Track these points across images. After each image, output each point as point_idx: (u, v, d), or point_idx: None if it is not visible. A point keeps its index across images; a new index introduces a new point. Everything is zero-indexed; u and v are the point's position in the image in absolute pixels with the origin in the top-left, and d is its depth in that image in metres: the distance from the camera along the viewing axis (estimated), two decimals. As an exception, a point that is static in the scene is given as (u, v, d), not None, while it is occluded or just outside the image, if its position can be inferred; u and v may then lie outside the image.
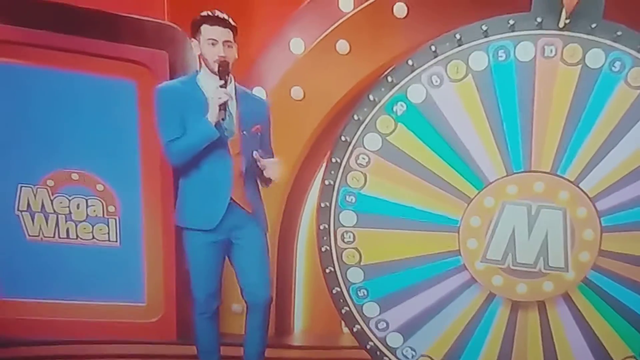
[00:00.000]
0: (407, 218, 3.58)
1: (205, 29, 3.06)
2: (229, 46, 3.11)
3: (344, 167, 3.56)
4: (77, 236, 4.15)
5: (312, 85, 3.93)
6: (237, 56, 3.18)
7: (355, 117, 3.47)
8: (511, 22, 3.26)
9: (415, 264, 3.63)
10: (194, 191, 3.19)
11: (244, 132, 3.17)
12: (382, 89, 3.44)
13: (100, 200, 4.10)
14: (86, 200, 4.09)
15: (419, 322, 3.71)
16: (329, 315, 4.04)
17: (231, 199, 3.17)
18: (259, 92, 3.85)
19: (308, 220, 4.28)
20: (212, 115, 2.99)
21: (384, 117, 3.49)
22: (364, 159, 3.55)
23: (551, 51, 3.31)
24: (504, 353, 3.69)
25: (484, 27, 3.30)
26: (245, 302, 3.44)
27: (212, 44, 3.08)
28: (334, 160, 3.54)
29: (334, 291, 3.70)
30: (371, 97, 3.44)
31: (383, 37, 3.88)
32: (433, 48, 3.36)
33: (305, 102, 3.94)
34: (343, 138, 3.51)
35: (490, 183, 3.45)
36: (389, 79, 3.42)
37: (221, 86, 2.99)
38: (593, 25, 3.22)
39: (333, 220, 3.63)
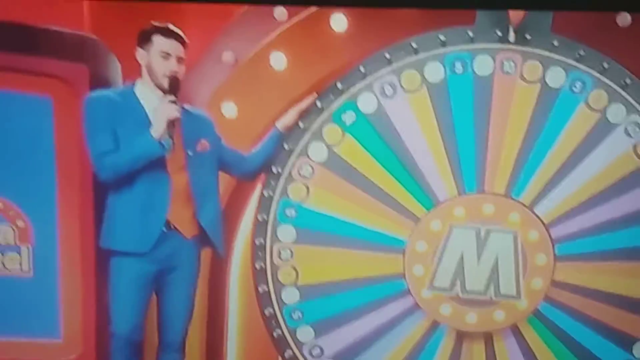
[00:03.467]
0: (350, 236, 3.55)
1: (158, 40, 3.02)
2: (180, 62, 3.10)
3: (286, 177, 3.52)
4: (-15, 266, 3.92)
5: (246, 102, 3.80)
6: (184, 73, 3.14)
7: (301, 125, 3.44)
8: (470, 33, 3.28)
9: (355, 286, 3.60)
10: (125, 211, 3.07)
11: (189, 152, 3.11)
12: (331, 96, 3.44)
13: (11, 227, 3.87)
14: (-4, 226, 3.88)
15: (356, 350, 3.67)
16: (265, 352, 3.92)
17: (169, 223, 3.09)
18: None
19: (244, 236, 4.16)
20: (157, 131, 2.93)
21: (332, 126, 3.47)
22: (307, 169, 3.52)
23: (510, 67, 3.35)
24: (447, 384, 3.58)
25: (442, 37, 3.33)
26: (160, 339, 3.35)
27: (165, 58, 3.02)
28: (274, 170, 3.50)
29: (267, 313, 3.65)
30: (319, 104, 3.42)
31: (323, 52, 3.82)
32: (387, 55, 3.38)
33: (239, 120, 3.80)
34: (286, 147, 3.48)
35: (438, 205, 3.43)
36: (339, 85, 3.41)
37: (172, 102, 2.94)
38: (555, 43, 3.26)
39: (270, 235, 3.59)
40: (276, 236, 3.60)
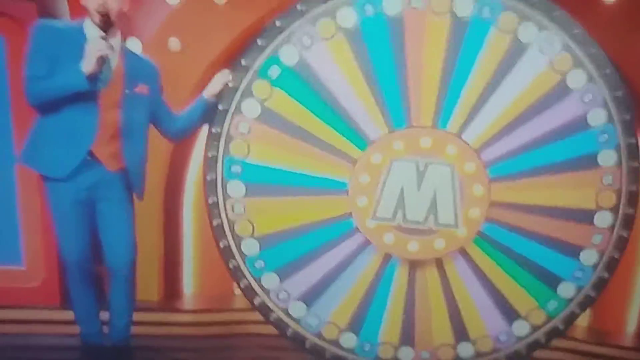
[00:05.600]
0: (294, 184, 3.76)
1: None
2: None
3: (225, 136, 3.71)
4: (-55, 196, 4.10)
5: (190, 36, 3.98)
6: (125, 8, 3.16)
7: (230, 85, 3.62)
8: (375, -25, 3.34)
9: (308, 230, 3.83)
10: (49, 134, 3.15)
11: (127, 91, 3.19)
12: (254, 54, 3.59)
13: (-31, 158, 4.02)
14: (-45, 159, 4.05)
15: (319, 288, 3.92)
16: (220, 277, 4.24)
17: (93, 154, 3.18)
18: (134, 43, 3.86)
19: (195, 173, 4.44)
20: (87, 66, 2.96)
21: (260, 82, 3.64)
22: (244, 126, 3.71)
23: (419, 1, 3.49)
24: (408, 313, 3.93)
25: (347, -16, 3.36)
26: (107, 266, 3.51)
27: None
28: (214, 130, 3.69)
29: (231, 265, 3.89)
30: (243, 63, 3.59)
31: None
32: (299, 7, 3.51)
33: (183, 54, 4.00)
34: (221, 107, 3.66)
35: (378, 140, 3.66)
36: (259, 42, 3.56)
37: (102, 38, 2.98)
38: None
39: (221, 192, 3.80)
40: (227, 193, 3.81)
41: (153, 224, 3.77)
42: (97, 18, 3.06)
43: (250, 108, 3.69)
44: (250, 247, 3.88)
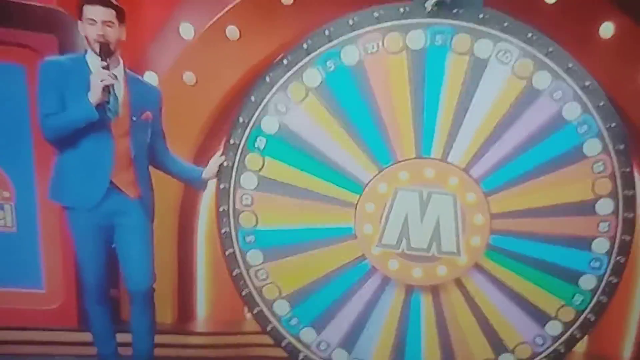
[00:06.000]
0: (306, 240, 3.94)
1: (86, 9, 3.16)
2: (109, 26, 3.18)
3: (233, 212, 3.93)
4: (-28, 222, 4.33)
5: (204, 70, 4.26)
6: (123, 37, 3.30)
7: (225, 163, 3.85)
8: (327, 32, 3.64)
9: (329, 279, 3.99)
10: (71, 168, 3.31)
11: (134, 118, 3.34)
12: (239, 130, 3.82)
13: (-6, 186, 4.24)
14: (-21, 187, 4.29)
15: (354, 333, 4.07)
16: (232, 301, 4.39)
17: (113, 182, 3.35)
18: (150, 76, 4.09)
19: (208, 202, 4.70)
20: (94, 96, 3.11)
21: (250, 155, 3.86)
22: (247, 199, 3.92)
23: (373, 47, 3.67)
24: (444, 339, 4.04)
25: (306, 45, 3.67)
26: (127, 290, 3.64)
27: (92, 24, 3.15)
28: (222, 209, 3.91)
29: (269, 328, 4.08)
30: (232, 141, 3.82)
31: (272, 23, 4.27)
32: (268, 78, 3.73)
33: (198, 87, 4.29)
34: (222, 186, 3.88)
35: (384, 171, 3.82)
36: (241, 119, 3.79)
37: (104, 67, 3.12)
38: (403, 10, 3.59)
39: (242, 263, 4.01)
40: (248, 262, 4.03)
41: (168, 250, 4.12)
42: (97, 48, 3.23)
43: (248, 180, 3.89)
44: (282, 307, 4.06)
